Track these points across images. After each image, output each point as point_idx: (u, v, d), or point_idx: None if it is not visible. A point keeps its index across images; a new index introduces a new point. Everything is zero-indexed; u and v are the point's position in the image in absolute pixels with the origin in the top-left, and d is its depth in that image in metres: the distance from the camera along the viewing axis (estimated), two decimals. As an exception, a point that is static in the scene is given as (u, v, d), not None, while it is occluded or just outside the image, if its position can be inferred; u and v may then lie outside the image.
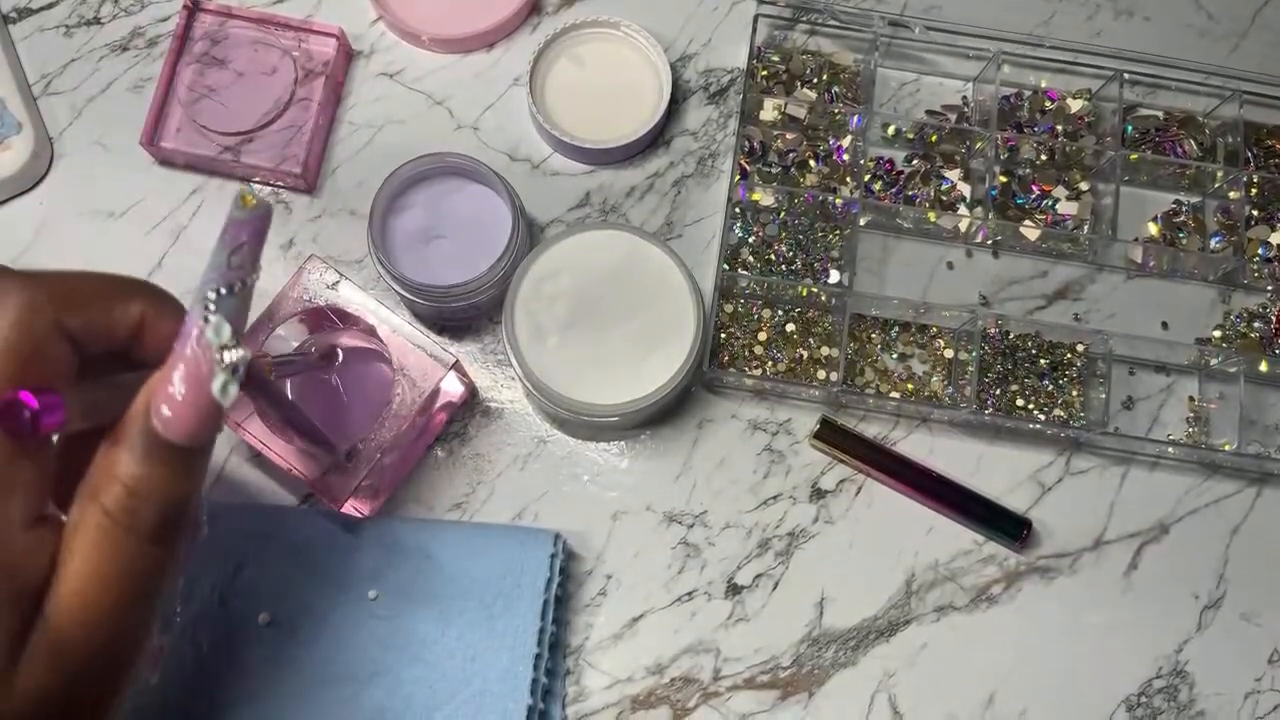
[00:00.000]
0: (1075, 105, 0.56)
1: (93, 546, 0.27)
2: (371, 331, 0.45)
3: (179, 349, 0.27)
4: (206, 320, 0.27)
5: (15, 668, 0.27)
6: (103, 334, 0.29)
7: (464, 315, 0.51)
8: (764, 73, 0.56)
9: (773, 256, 0.53)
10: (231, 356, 0.27)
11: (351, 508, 0.45)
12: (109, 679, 0.29)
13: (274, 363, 0.42)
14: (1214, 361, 0.52)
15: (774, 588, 0.49)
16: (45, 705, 0.28)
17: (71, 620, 0.27)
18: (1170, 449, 0.51)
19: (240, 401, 0.44)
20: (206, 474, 0.30)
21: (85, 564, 0.27)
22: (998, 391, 0.51)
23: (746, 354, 0.51)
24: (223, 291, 0.27)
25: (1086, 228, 0.54)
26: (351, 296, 0.45)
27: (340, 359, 0.47)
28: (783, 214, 0.53)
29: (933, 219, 0.54)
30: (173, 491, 0.28)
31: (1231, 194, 0.55)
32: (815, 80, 0.56)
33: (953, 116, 0.56)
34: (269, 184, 0.53)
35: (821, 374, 0.51)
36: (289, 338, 0.46)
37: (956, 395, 0.51)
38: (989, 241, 0.54)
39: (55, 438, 0.29)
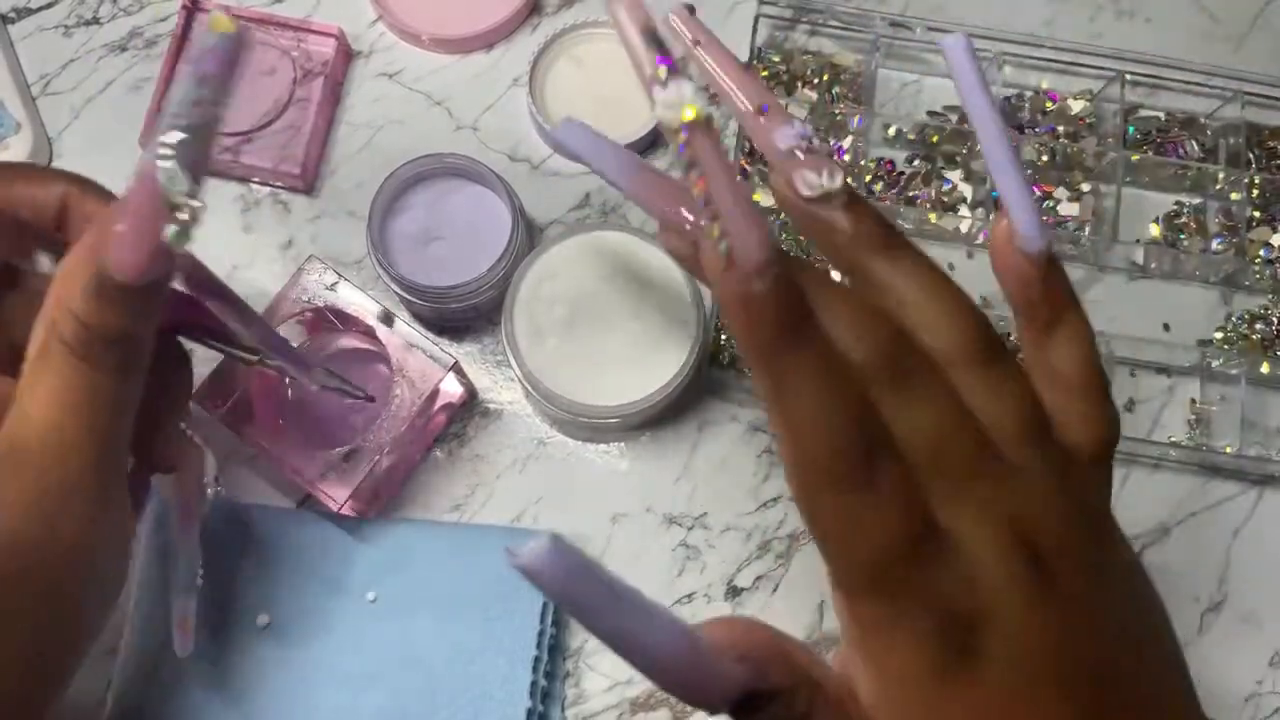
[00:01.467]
0: (1076, 106, 0.56)
1: (55, 374, 0.27)
2: (370, 333, 0.45)
3: (132, 190, 0.25)
4: (160, 166, 0.25)
5: None
6: (25, 207, 0.30)
7: (463, 316, 0.51)
8: (765, 73, 0.56)
9: (773, 258, 0.53)
10: (184, 212, 0.25)
11: (350, 510, 0.45)
12: (79, 534, 0.29)
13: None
14: (1216, 364, 0.52)
15: (774, 590, 0.49)
16: (10, 533, 0.27)
17: (38, 441, 0.28)
18: (1172, 451, 0.51)
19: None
20: (160, 312, 0.29)
21: (50, 391, 0.27)
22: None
23: (747, 355, 0.51)
24: (182, 133, 0.25)
25: (1088, 229, 0.54)
26: (350, 297, 0.45)
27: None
28: (783, 215, 0.53)
29: (934, 220, 0.53)
30: (126, 328, 0.28)
31: (1233, 195, 0.55)
32: (816, 81, 0.56)
33: (954, 117, 0.56)
34: (268, 184, 0.53)
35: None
36: (289, 338, 0.46)
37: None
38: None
39: None
